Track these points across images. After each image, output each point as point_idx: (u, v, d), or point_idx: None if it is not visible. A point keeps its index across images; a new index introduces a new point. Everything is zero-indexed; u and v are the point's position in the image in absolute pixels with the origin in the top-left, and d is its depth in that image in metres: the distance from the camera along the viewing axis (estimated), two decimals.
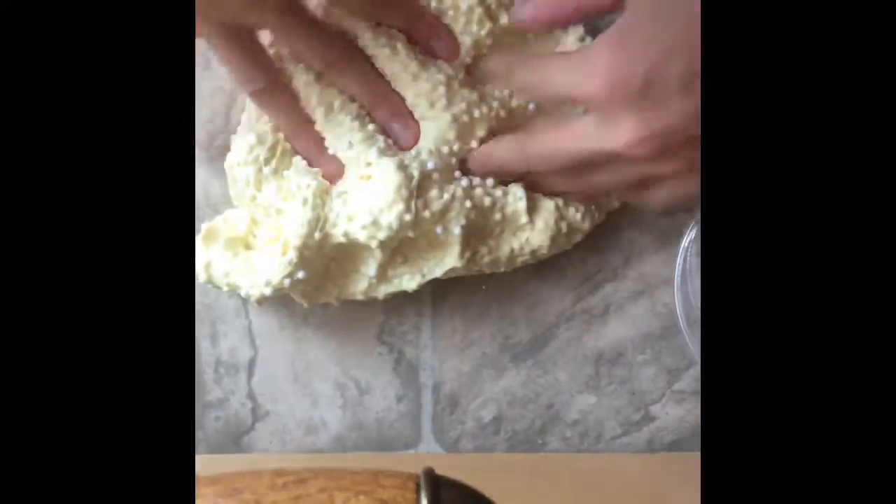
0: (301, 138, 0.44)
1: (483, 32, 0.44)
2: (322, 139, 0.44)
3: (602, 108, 0.38)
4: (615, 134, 0.37)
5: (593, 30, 0.45)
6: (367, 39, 0.44)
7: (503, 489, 0.33)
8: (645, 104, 0.36)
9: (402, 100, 0.43)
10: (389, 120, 0.43)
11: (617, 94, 0.37)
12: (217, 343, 0.48)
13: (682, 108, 0.36)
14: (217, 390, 0.48)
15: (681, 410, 0.49)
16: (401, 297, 0.46)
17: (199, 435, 0.48)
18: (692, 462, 0.32)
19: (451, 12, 0.44)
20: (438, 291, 0.48)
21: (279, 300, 0.46)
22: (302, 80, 0.44)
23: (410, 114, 0.43)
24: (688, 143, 0.37)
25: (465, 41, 0.44)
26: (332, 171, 0.43)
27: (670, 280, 0.48)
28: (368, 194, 0.42)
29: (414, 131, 0.43)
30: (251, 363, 0.48)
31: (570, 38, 0.46)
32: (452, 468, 0.32)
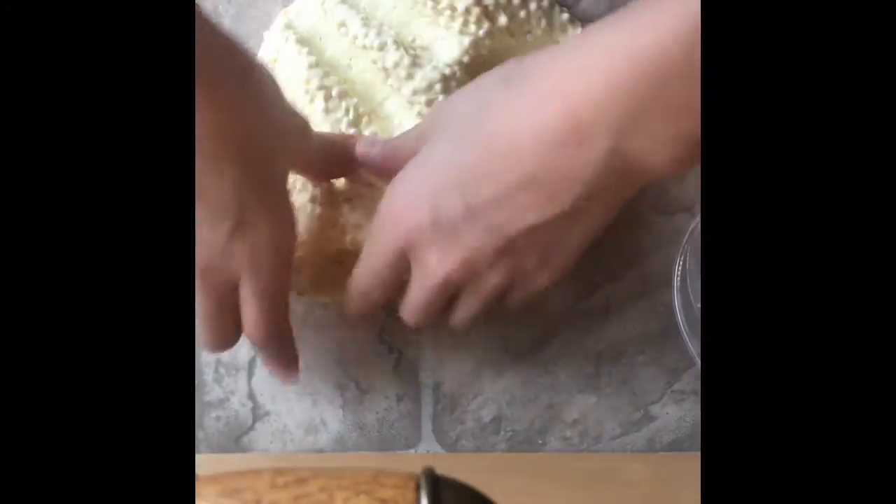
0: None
1: (481, 33, 0.44)
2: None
3: (410, 253, 0.39)
4: (434, 268, 0.38)
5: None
6: (359, 31, 0.44)
7: (503, 489, 0.33)
8: (440, 237, 0.37)
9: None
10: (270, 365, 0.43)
11: (415, 236, 0.38)
12: None
13: (473, 235, 0.37)
14: (217, 390, 0.48)
15: (681, 410, 0.49)
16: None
17: (199, 435, 0.48)
18: (692, 462, 0.32)
19: (448, 12, 0.44)
20: None
21: None
22: (304, 64, 0.44)
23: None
24: (505, 251, 0.37)
25: (464, 41, 0.44)
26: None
27: (670, 280, 0.48)
28: (373, 201, 0.42)
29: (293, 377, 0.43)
30: (251, 363, 0.48)
31: (570, 38, 0.46)
32: (452, 468, 0.32)
